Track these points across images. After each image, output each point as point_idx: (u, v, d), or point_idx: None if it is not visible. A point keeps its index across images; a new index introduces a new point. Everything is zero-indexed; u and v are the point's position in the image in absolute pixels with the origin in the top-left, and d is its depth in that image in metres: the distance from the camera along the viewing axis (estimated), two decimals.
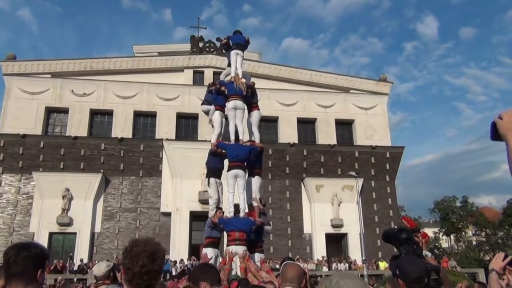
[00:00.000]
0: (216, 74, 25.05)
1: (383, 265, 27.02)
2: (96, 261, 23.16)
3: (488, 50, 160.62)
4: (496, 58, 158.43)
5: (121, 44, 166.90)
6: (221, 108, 11.13)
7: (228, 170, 10.25)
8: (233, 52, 11.60)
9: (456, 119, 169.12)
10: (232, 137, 10.80)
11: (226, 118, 11.17)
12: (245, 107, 11.21)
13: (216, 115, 11.04)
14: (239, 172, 10.10)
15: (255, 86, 12.23)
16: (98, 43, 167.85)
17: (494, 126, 1.79)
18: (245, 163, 10.42)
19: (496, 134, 1.77)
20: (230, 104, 10.88)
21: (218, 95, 11.17)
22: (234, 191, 10.15)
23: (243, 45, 11.83)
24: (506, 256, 2.92)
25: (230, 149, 10.33)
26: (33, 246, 2.30)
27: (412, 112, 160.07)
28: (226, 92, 10.98)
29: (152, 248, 2.41)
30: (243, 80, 11.34)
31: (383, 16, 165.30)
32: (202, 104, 11.85)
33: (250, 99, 11.41)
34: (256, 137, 11.08)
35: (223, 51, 12.47)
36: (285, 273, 3.09)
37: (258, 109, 11.53)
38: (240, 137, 10.77)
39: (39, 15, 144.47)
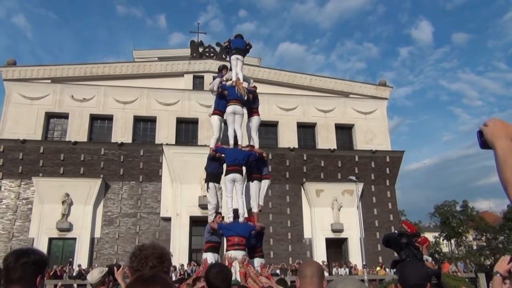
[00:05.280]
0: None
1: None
2: (95, 265, 23.14)
3: (484, 55, 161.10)
4: (491, 63, 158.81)
5: (119, 49, 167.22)
6: (220, 113, 11.13)
7: (226, 174, 10.23)
8: (233, 57, 11.60)
9: (452, 124, 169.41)
10: (231, 142, 10.78)
11: (225, 123, 11.17)
12: (244, 112, 11.20)
13: (215, 120, 11.04)
14: (237, 176, 10.07)
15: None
16: (97, 48, 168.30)
17: (481, 134, 1.77)
18: (243, 168, 10.39)
19: (484, 143, 1.75)
20: (229, 109, 10.87)
21: (219, 99, 11.16)
22: (233, 196, 10.12)
23: (243, 49, 11.82)
24: (511, 259, 2.91)
25: (228, 154, 10.31)
26: (32, 253, 2.29)
27: (408, 117, 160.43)
28: (227, 97, 10.98)
29: (160, 251, 2.49)
30: (245, 85, 11.34)
31: (378, 21, 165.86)
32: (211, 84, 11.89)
33: (252, 104, 11.38)
34: (255, 142, 11.05)
35: (223, 55, 12.50)
36: (303, 270, 2.84)
37: (258, 115, 11.49)
38: (239, 142, 10.74)
39: (35, 22, 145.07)
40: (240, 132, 10.84)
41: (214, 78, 11.95)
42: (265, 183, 10.74)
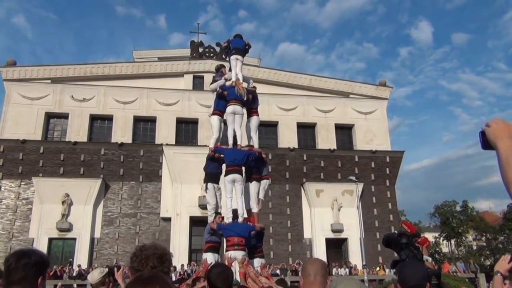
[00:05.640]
0: None
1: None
2: (95, 265, 23.14)
3: (484, 55, 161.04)
4: (491, 63, 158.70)
5: (119, 50, 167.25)
6: (220, 113, 11.13)
7: (226, 174, 10.24)
8: (232, 57, 11.62)
9: (452, 124, 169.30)
10: (230, 142, 10.80)
11: (225, 123, 11.19)
12: (244, 112, 11.21)
13: (215, 120, 11.04)
14: (237, 176, 10.07)
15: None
16: (97, 48, 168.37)
17: (483, 135, 1.77)
18: (243, 168, 10.39)
19: (486, 143, 1.75)
20: (229, 109, 10.89)
21: (219, 100, 11.17)
22: (232, 196, 10.13)
23: (242, 50, 11.82)
24: None
25: (227, 154, 10.31)
26: (33, 253, 2.27)
27: (408, 117, 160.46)
28: (226, 97, 10.99)
29: (161, 251, 2.52)
30: (244, 85, 11.35)
31: (378, 22, 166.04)
32: (211, 84, 11.90)
33: (251, 104, 11.39)
34: (255, 142, 11.07)
35: (223, 55, 12.51)
36: (307, 268, 2.77)
37: (257, 115, 11.51)
38: (239, 142, 10.75)
39: (35, 22, 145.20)
40: (239, 132, 10.84)
41: (213, 78, 11.96)
42: (265, 183, 10.75)
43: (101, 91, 31.59)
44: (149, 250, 2.51)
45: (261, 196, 10.48)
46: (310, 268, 2.71)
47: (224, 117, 11.12)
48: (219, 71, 11.78)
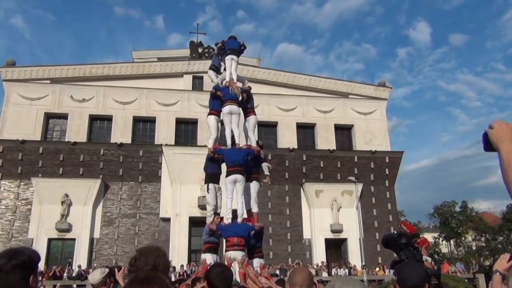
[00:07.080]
0: None
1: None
2: (95, 265, 23.14)
3: (482, 55, 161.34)
4: (490, 64, 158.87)
5: (118, 50, 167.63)
6: (216, 112, 11.19)
7: (227, 175, 10.24)
8: (227, 58, 11.78)
9: (451, 125, 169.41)
10: (229, 142, 10.84)
11: (222, 123, 11.24)
12: (241, 111, 11.27)
13: (212, 120, 11.10)
14: (238, 176, 10.09)
15: (254, 91, 12.31)
16: (96, 49, 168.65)
17: (486, 136, 1.77)
18: (243, 168, 10.42)
19: (488, 145, 1.75)
20: (225, 109, 10.93)
21: (213, 100, 11.25)
22: (233, 196, 10.14)
23: (237, 50, 11.98)
24: (511, 258, 2.89)
25: (227, 154, 10.34)
26: (20, 254, 2.21)
27: (407, 118, 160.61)
28: (221, 97, 11.06)
29: (153, 261, 2.55)
30: (239, 85, 11.43)
31: (376, 22, 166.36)
32: (210, 69, 12.27)
33: (246, 104, 11.47)
34: (253, 142, 11.11)
35: (219, 56, 12.61)
36: (293, 277, 2.84)
37: (255, 114, 11.59)
38: (237, 141, 10.78)
39: (33, 23, 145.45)
40: (237, 131, 10.90)
41: (212, 64, 12.42)
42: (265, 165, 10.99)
43: (100, 92, 31.57)
44: (141, 260, 2.58)
45: (266, 172, 10.68)
46: (297, 278, 2.78)
47: (221, 117, 11.17)
48: (216, 54, 12.22)
